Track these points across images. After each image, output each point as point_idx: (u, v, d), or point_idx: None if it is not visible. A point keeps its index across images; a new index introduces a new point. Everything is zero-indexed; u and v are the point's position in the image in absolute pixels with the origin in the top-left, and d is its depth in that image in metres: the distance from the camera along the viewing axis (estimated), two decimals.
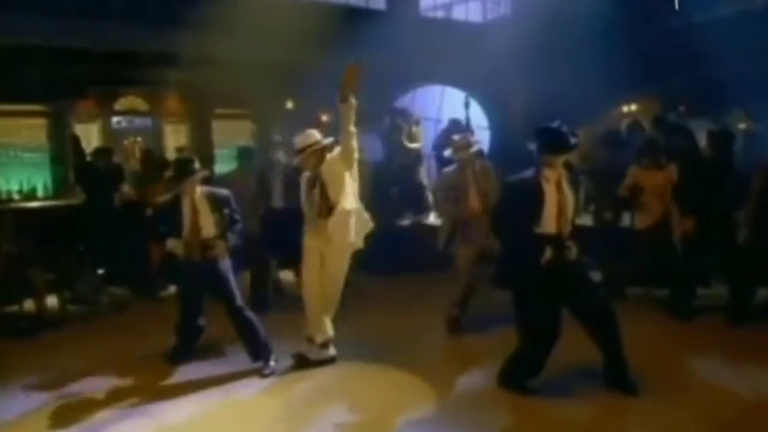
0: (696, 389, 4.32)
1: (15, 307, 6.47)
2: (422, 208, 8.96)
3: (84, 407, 4.38)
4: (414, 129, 9.21)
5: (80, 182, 8.08)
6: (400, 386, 4.58)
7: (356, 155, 4.98)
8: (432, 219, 8.26)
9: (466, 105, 11.32)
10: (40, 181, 9.77)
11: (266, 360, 4.90)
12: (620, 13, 10.52)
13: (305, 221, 5.05)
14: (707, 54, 9.43)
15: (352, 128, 4.90)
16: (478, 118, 12.68)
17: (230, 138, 10.97)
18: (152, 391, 4.63)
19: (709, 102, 9.92)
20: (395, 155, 9.23)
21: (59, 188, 9.67)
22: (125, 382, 4.81)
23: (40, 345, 5.82)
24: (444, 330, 5.62)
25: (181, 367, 5.01)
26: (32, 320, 6.29)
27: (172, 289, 7.66)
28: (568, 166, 4.28)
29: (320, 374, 4.81)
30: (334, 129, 10.43)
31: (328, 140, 5.11)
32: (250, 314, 5.03)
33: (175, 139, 10.84)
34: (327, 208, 4.88)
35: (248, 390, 4.61)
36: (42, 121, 9.91)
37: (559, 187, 4.16)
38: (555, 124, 4.18)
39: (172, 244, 4.99)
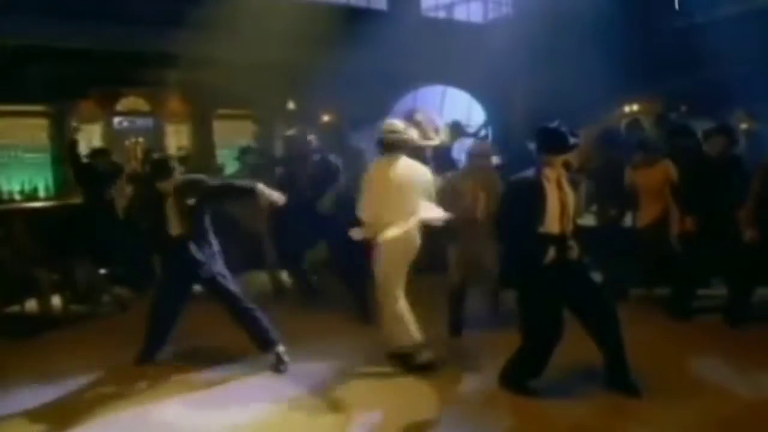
0: (696, 389, 4.31)
1: (17, 307, 6.49)
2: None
3: (85, 408, 4.38)
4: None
5: (79, 183, 8.08)
6: (401, 387, 4.58)
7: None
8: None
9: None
10: (42, 181, 9.79)
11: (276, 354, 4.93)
12: (621, 13, 10.53)
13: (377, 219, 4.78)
14: (709, 54, 9.43)
15: None
16: (479, 118, 12.69)
17: (232, 138, 10.99)
18: (154, 392, 4.64)
19: (711, 102, 9.90)
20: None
21: (60, 188, 9.69)
22: (127, 383, 4.81)
23: (43, 345, 5.82)
24: (445, 331, 5.61)
25: (181, 369, 5.01)
26: (35, 320, 6.30)
27: None
28: (567, 165, 4.28)
29: (317, 376, 4.81)
30: (335, 129, 10.56)
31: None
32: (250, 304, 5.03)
33: (176, 139, 10.86)
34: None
35: (253, 390, 4.62)
36: (43, 122, 9.93)
37: (560, 186, 4.16)
38: (554, 124, 4.18)
39: None
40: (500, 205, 4.57)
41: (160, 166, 5.03)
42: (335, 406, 4.29)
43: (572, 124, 4.32)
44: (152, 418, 4.21)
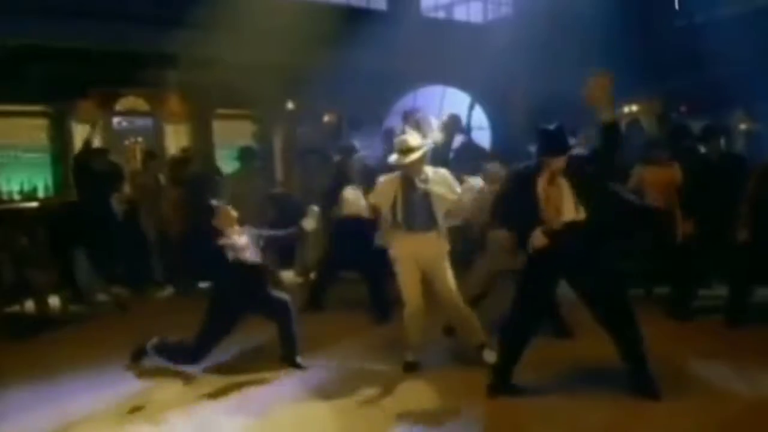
0: (696, 389, 4.31)
1: (16, 308, 6.49)
2: None
3: (83, 409, 4.37)
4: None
5: (76, 183, 8.08)
6: (410, 388, 4.58)
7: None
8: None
9: (471, 107, 11.31)
10: (41, 181, 9.78)
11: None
12: (621, 13, 10.52)
13: (392, 227, 4.81)
14: (709, 54, 9.43)
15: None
16: (479, 118, 12.67)
17: (231, 138, 10.97)
18: (154, 393, 4.63)
19: (711, 102, 9.91)
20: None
21: (60, 188, 9.68)
22: (126, 384, 4.80)
23: (42, 345, 5.82)
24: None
25: (180, 369, 5.01)
26: (34, 320, 6.30)
27: (169, 289, 7.70)
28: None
29: (313, 376, 4.80)
30: (335, 129, 10.57)
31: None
32: None
33: (176, 139, 10.84)
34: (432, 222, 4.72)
35: (262, 391, 4.62)
36: (42, 122, 9.92)
37: (551, 181, 4.15)
38: (553, 126, 4.18)
39: None
40: (499, 193, 4.67)
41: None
42: (345, 407, 4.28)
43: (572, 124, 4.33)
44: (153, 418, 4.20)
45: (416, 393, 4.47)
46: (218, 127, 11.09)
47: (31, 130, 9.93)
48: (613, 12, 10.35)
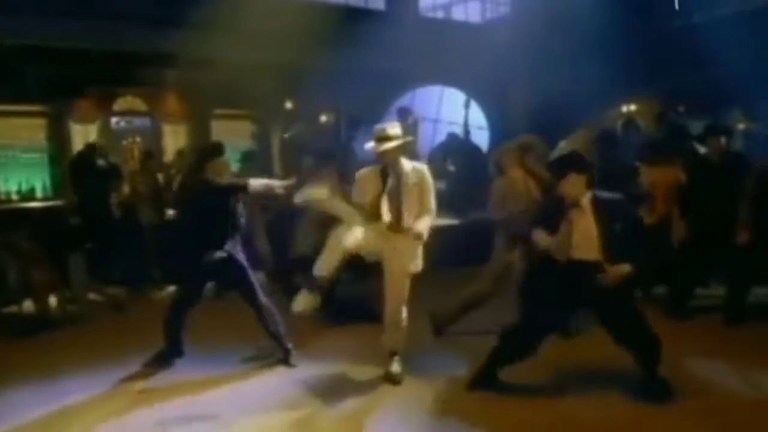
0: (694, 389, 4.31)
1: (14, 308, 6.48)
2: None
3: (83, 409, 4.37)
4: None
5: (74, 183, 8.07)
6: (402, 388, 4.58)
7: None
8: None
9: (466, 105, 11.33)
10: (39, 181, 9.77)
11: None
12: (620, 13, 10.53)
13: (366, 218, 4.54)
14: (707, 54, 9.43)
15: None
16: (477, 118, 12.68)
17: (230, 138, 10.96)
18: (151, 393, 4.63)
19: (709, 102, 9.92)
20: None
21: (58, 188, 9.67)
22: (124, 383, 4.79)
23: (40, 345, 5.81)
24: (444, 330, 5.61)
25: (179, 369, 5.00)
26: (32, 320, 6.29)
27: (170, 289, 7.67)
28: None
29: (311, 375, 4.80)
30: (333, 128, 10.56)
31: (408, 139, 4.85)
32: None
33: (174, 139, 10.84)
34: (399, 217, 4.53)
35: (255, 392, 4.61)
36: (41, 122, 9.91)
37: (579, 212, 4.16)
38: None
39: None
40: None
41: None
42: (337, 407, 4.28)
43: (570, 123, 4.33)
44: (151, 419, 4.19)
45: (412, 395, 4.46)
46: (216, 127, 11.09)
47: (29, 130, 9.91)
48: (612, 11, 10.36)
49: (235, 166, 8.00)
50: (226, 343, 5.46)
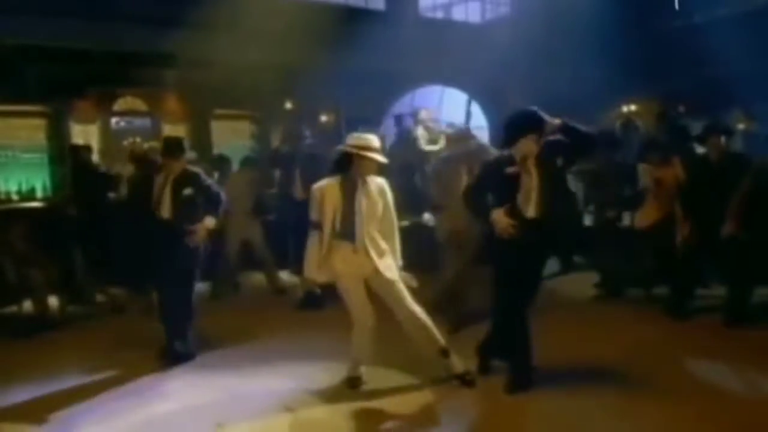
0: (694, 389, 4.31)
1: (14, 308, 6.48)
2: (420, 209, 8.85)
3: (81, 410, 4.37)
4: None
5: (74, 183, 8.07)
6: (395, 385, 4.56)
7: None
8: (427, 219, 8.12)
9: (468, 105, 11.30)
10: (39, 181, 9.76)
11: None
12: (620, 13, 10.53)
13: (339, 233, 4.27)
14: (707, 54, 9.44)
15: None
16: (477, 117, 12.68)
17: (230, 138, 10.97)
18: (150, 393, 4.63)
19: (709, 102, 9.92)
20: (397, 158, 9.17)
21: (58, 189, 9.66)
22: (124, 384, 4.80)
23: (40, 346, 5.81)
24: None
25: (176, 368, 5.00)
26: (32, 321, 6.29)
27: None
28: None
29: (310, 375, 4.80)
30: (332, 129, 10.56)
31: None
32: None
33: None
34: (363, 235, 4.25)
35: (245, 388, 4.61)
36: (41, 122, 9.90)
37: (524, 169, 4.14)
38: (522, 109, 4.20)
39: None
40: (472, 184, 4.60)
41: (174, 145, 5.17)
42: (329, 406, 4.27)
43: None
44: (148, 417, 4.19)
45: (401, 390, 4.46)
46: (216, 127, 11.10)
47: (29, 130, 9.90)
48: (612, 12, 10.37)
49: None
50: (224, 345, 5.45)
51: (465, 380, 4.41)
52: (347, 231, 4.24)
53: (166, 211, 5.08)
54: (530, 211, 4.13)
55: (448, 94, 13.49)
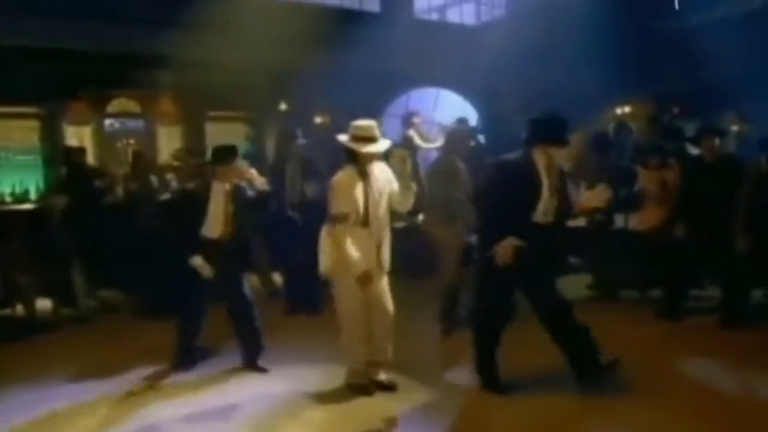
0: (688, 390, 4.31)
1: (7, 311, 6.45)
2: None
3: (73, 413, 4.34)
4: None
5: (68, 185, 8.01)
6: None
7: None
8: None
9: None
10: (33, 183, 9.73)
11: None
12: (614, 16, 10.56)
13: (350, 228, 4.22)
14: (701, 56, 9.46)
15: None
16: (472, 119, 12.70)
17: (224, 140, 10.92)
18: (145, 395, 4.61)
19: (703, 104, 9.95)
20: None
21: (51, 190, 9.63)
22: (116, 387, 4.77)
23: (32, 349, 5.78)
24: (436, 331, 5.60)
25: (171, 372, 4.97)
26: (24, 324, 6.26)
27: None
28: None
29: (308, 377, 4.78)
30: (327, 130, 10.54)
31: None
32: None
33: (168, 141, 10.82)
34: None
35: (244, 393, 4.60)
36: (34, 123, 9.88)
37: (550, 175, 4.16)
38: (553, 114, 4.19)
39: None
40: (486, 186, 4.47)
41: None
42: (323, 407, 4.26)
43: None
44: (141, 421, 4.17)
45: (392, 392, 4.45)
46: (211, 129, 11.08)
47: (23, 131, 9.89)
48: (606, 14, 10.40)
49: None
50: (220, 349, 5.43)
51: (386, 386, 4.43)
52: (364, 219, 4.23)
53: (221, 227, 4.82)
54: (548, 216, 4.15)
55: (443, 96, 13.53)
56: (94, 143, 10.18)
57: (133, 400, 4.51)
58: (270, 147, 11.27)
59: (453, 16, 14.53)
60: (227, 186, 4.80)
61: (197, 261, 4.73)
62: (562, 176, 4.23)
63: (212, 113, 11.10)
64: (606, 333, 5.24)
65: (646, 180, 6.27)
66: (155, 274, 6.84)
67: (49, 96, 9.46)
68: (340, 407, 4.26)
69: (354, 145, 4.22)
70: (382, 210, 4.31)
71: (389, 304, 4.42)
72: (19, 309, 6.38)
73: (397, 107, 12.12)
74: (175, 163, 8.38)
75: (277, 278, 7.61)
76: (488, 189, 4.35)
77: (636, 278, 6.63)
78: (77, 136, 10.07)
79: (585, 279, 7.00)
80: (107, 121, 10.52)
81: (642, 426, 3.87)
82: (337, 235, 4.19)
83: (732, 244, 5.40)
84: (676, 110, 10.87)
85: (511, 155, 4.25)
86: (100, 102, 10.26)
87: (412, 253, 6.86)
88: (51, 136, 9.84)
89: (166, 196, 7.25)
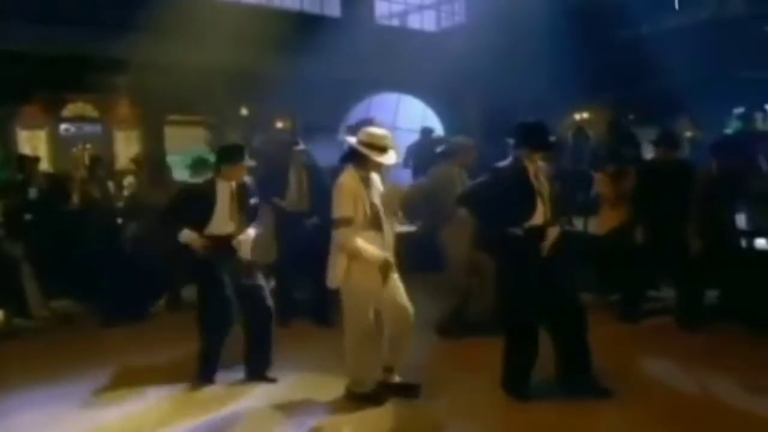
0: (647, 390, 4.39)
1: None
2: None
3: (32, 424, 4.24)
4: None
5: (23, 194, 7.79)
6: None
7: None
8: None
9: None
10: None
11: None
12: (572, 24, 10.75)
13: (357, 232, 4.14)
14: (656, 64, 9.70)
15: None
16: (434, 125, 12.79)
17: (183, 145, 10.80)
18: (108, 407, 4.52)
19: (657, 111, 10.20)
20: None
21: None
22: (72, 399, 4.66)
23: None
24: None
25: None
26: None
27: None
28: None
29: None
30: (292, 134, 10.50)
31: None
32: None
33: (126, 146, 10.64)
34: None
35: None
36: None
37: (537, 179, 4.28)
38: (537, 121, 4.31)
39: None
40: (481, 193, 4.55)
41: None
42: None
43: None
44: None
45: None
46: (170, 133, 10.92)
47: None
48: (564, 22, 10.58)
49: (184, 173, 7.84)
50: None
51: (408, 387, 4.39)
52: (374, 223, 4.20)
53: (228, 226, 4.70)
54: (544, 219, 4.27)
55: (404, 101, 13.60)
56: (49, 148, 9.95)
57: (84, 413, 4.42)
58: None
59: (414, 22, 14.64)
60: (233, 185, 4.74)
61: (190, 235, 4.59)
62: (549, 180, 4.39)
63: (171, 117, 10.95)
64: None
65: (601, 185, 6.39)
66: (112, 281, 6.74)
67: (1, 99, 9.21)
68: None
69: (368, 152, 4.16)
70: (384, 215, 4.33)
71: (407, 303, 4.32)
72: None
73: (357, 112, 12.16)
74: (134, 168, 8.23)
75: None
76: (487, 195, 4.44)
77: (594, 281, 6.73)
78: (31, 140, 9.82)
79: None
80: (63, 126, 10.30)
81: (602, 425, 3.94)
82: (347, 238, 4.11)
83: (686, 247, 5.54)
84: (631, 117, 11.12)
85: (504, 163, 4.35)
86: (54, 106, 10.05)
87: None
88: (3, 140, 9.58)
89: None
